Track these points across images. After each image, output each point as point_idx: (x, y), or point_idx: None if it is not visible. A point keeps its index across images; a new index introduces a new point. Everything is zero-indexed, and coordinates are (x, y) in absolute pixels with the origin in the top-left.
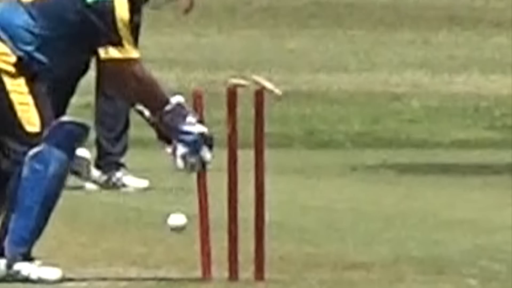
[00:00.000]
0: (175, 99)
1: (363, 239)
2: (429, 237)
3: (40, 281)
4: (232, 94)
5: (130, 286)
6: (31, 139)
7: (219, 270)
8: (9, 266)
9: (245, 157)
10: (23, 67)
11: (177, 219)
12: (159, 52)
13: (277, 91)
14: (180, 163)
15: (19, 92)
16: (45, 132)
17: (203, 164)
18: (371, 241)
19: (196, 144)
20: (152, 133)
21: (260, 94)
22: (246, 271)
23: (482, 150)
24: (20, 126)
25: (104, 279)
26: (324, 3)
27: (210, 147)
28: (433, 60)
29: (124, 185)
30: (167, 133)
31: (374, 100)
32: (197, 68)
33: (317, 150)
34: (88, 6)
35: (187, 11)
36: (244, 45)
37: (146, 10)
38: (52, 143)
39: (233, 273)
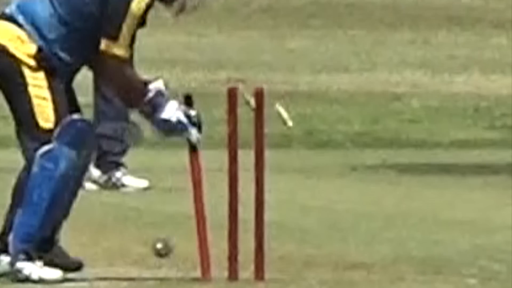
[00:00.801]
0: (155, 87)
1: (363, 239)
2: (429, 237)
3: (40, 281)
4: (232, 94)
5: (130, 286)
6: (43, 135)
7: (219, 270)
8: (11, 264)
9: (245, 157)
10: (43, 59)
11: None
12: (159, 52)
13: (290, 123)
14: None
15: (38, 85)
16: (57, 130)
17: (193, 146)
18: (371, 241)
19: (175, 129)
20: (152, 133)
21: (260, 94)
22: (246, 271)
23: (482, 150)
24: (35, 120)
25: (104, 279)
26: (324, 3)
27: (199, 127)
28: (433, 60)
29: (124, 185)
30: (147, 119)
31: (374, 100)
32: (197, 68)
33: (316, 150)
34: None
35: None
36: (244, 45)
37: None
38: (63, 142)
39: (233, 273)
